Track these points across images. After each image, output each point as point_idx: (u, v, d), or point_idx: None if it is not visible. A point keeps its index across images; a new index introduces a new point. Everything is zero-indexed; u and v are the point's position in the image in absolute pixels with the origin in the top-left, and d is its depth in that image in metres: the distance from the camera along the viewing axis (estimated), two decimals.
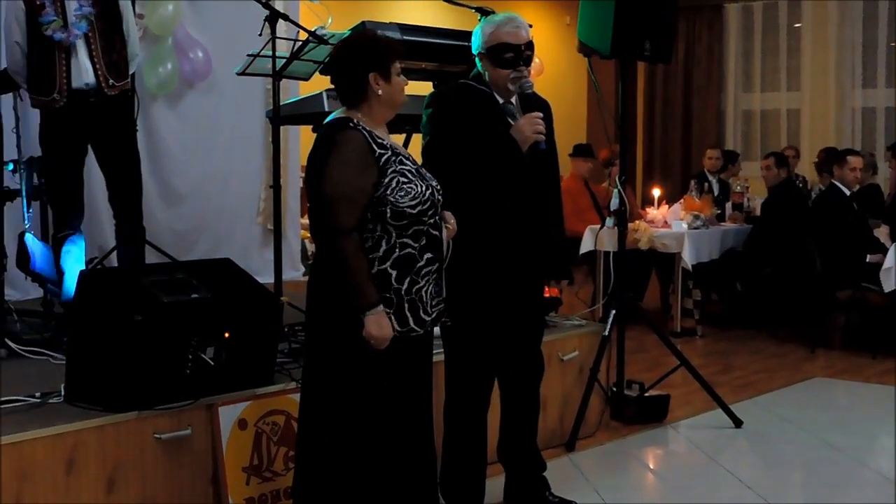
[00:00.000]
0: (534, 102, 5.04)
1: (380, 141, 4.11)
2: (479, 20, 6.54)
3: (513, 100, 5.01)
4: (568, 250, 5.52)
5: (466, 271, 4.75)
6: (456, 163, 4.82)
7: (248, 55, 6.23)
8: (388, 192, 4.04)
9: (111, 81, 6.25)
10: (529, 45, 4.97)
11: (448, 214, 4.33)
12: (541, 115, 4.86)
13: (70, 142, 6.34)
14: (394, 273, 4.09)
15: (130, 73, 6.46)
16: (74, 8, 6.11)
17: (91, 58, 6.17)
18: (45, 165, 6.60)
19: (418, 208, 4.09)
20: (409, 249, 4.11)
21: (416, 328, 4.16)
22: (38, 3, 6.11)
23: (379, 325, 4.04)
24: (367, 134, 4.08)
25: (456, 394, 5.09)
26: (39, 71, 6.22)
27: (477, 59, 5.06)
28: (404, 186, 4.06)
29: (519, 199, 4.92)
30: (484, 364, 5.08)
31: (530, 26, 5.05)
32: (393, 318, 4.09)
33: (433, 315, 4.23)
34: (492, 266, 4.92)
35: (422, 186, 4.12)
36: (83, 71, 6.20)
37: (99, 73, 6.22)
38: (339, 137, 4.08)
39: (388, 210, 4.05)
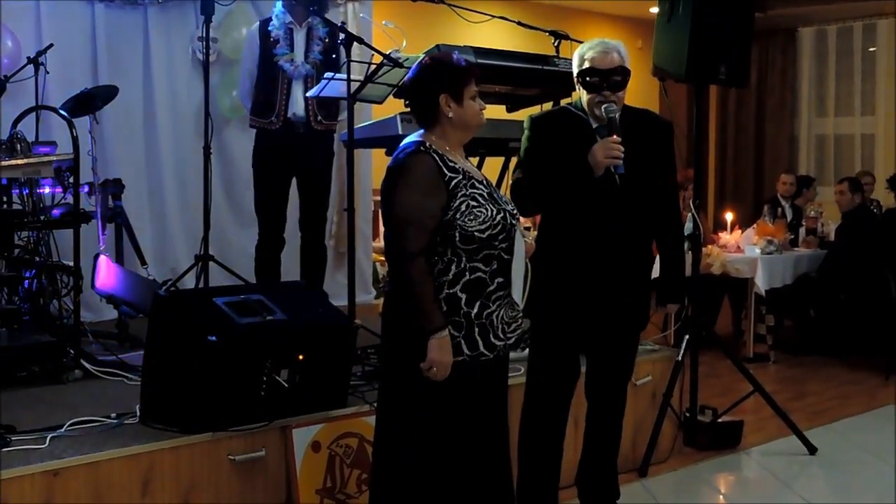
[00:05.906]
0: (652, 124, 5.10)
1: (451, 164, 4.07)
2: (553, 44, 6.57)
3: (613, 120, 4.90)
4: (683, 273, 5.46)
5: (547, 290, 4.77)
6: (543, 184, 4.85)
7: (323, 78, 6.26)
8: (458, 215, 4.01)
9: (319, 118, 7.18)
10: (618, 70, 4.92)
11: (524, 231, 4.28)
12: (618, 139, 4.78)
13: (277, 163, 7.27)
14: (463, 297, 4.05)
15: (339, 118, 7.29)
16: (313, 53, 7.13)
17: (304, 96, 7.03)
18: (255, 182, 7.42)
19: (488, 232, 4.05)
20: (479, 273, 4.07)
21: (486, 353, 4.11)
22: (272, 38, 7.14)
23: (440, 349, 4.00)
24: (437, 157, 4.06)
25: (532, 416, 5.08)
26: (264, 96, 7.21)
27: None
28: (474, 210, 4.03)
29: (598, 219, 4.87)
30: (561, 385, 5.06)
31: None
32: (463, 342, 4.05)
33: (507, 340, 4.19)
34: (570, 286, 4.90)
35: (493, 210, 4.07)
36: (296, 104, 7.13)
37: (310, 109, 7.14)
38: (409, 161, 4.06)
39: (457, 234, 4.02)
